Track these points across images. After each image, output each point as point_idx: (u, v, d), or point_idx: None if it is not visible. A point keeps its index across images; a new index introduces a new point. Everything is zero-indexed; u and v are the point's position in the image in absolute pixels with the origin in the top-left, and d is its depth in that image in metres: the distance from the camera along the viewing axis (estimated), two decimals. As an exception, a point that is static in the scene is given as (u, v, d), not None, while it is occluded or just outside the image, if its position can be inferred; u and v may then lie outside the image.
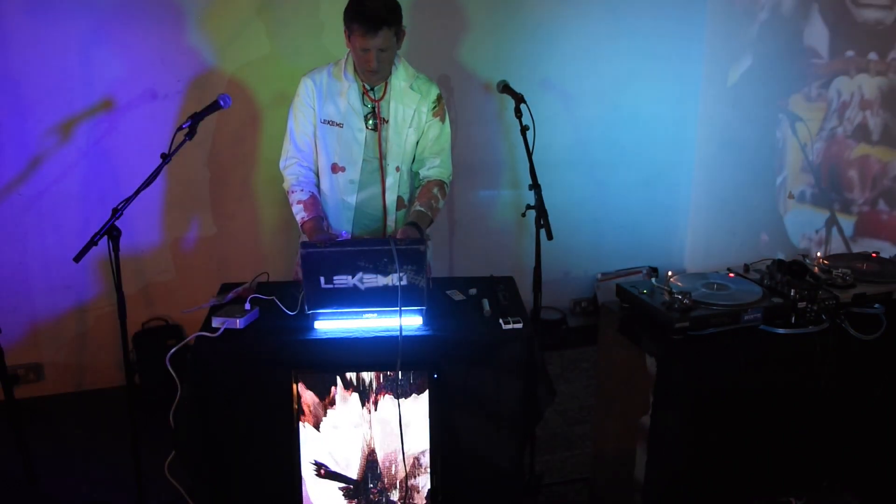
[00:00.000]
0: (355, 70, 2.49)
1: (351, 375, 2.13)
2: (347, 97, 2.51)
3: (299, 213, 2.53)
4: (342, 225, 2.62)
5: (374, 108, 2.55)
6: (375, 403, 2.15)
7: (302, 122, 2.55)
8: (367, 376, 2.13)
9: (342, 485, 2.20)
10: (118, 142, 3.28)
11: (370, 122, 2.55)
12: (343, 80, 2.51)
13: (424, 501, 2.21)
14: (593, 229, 4.07)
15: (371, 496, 2.21)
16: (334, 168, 2.58)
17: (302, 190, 2.56)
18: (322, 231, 2.49)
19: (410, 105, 2.55)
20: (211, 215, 3.51)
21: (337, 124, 2.53)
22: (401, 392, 2.13)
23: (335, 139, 2.55)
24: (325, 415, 2.15)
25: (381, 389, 2.13)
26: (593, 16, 3.75)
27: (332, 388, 2.13)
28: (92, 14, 3.12)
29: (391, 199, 2.63)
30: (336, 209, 2.61)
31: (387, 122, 2.55)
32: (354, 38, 2.36)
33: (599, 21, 3.76)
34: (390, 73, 2.51)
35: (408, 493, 2.20)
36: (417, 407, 2.16)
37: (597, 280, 4.09)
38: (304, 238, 2.72)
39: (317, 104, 2.52)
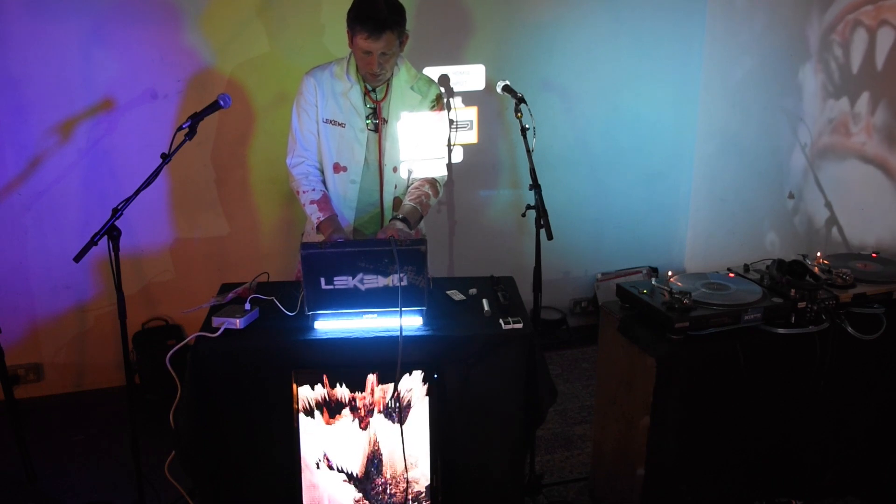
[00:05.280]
0: (357, 71, 2.49)
1: (358, 406, 2.14)
2: (350, 97, 2.51)
3: (314, 213, 2.52)
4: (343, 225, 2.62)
5: (375, 108, 2.54)
6: (375, 411, 2.15)
7: (306, 120, 2.55)
8: (368, 403, 2.14)
9: (343, 479, 2.20)
10: (118, 142, 3.28)
11: (371, 122, 2.55)
12: (345, 81, 2.50)
13: (425, 499, 2.21)
14: (593, 229, 4.07)
15: (372, 493, 2.21)
16: (336, 168, 2.58)
17: (313, 189, 2.55)
18: (340, 229, 2.48)
19: (411, 106, 2.55)
20: (211, 215, 3.51)
21: (339, 124, 2.53)
22: (398, 415, 2.14)
23: (337, 139, 2.55)
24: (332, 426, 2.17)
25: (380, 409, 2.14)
26: (593, 16, 3.75)
27: (339, 415, 2.15)
28: (92, 14, 3.12)
29: (389, 199, 2.64)
30: (338, 209, 2.60)
31: (387, 122, 2.55)
32: (357, 41, 2.36)
33: (599, 22, 3.76)
34: (392, 75, 2.51)
35: (408, 488, 2.20)
36: (418, 407, 2.16)
37: (597, 280, 4.09)
38: (307, 238, 2.73)
39: (319, 102, 2.52)
